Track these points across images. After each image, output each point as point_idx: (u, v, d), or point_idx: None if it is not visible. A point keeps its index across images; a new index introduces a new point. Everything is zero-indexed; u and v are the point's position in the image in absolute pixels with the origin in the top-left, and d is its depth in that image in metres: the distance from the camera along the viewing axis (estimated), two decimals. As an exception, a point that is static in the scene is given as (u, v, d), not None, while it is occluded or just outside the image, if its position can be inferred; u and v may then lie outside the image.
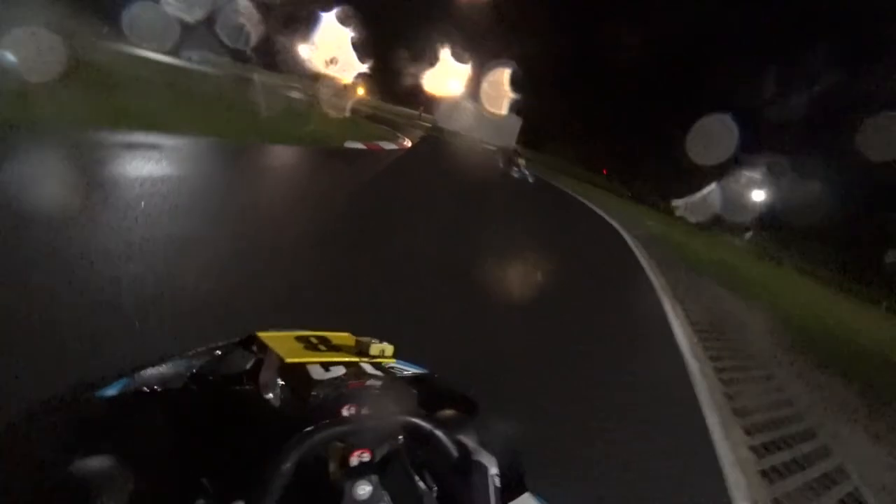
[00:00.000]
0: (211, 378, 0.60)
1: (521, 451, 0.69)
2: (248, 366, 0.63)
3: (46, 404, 0.55)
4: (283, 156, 7.76)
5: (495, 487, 0.49)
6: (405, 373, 0.85)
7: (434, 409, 0.66)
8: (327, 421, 0.47)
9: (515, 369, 3.04)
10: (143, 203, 3.50)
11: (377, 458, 0.50)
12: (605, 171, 47.51)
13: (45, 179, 3.50)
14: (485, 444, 0.57)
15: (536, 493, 0.56)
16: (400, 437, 0.53)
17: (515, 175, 16.81)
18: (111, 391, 0.60)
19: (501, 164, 17.72)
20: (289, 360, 0.57)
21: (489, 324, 3.69)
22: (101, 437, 0.49)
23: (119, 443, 0.47)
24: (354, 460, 0.47)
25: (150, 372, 0.65)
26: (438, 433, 0.52)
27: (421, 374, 0.87)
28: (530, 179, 17.24)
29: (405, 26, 40.10)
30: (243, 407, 0.54)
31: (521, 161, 17.95)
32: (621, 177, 45.27)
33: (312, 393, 0.53)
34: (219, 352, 0.68)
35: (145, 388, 0.61)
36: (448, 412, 0.71)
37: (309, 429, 0.45)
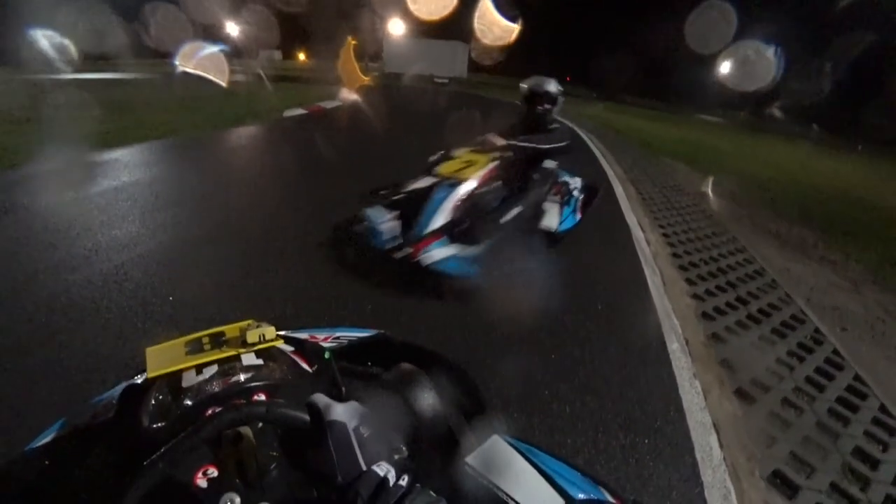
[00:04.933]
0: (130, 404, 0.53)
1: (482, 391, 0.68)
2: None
3: None
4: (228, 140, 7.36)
5: (362, 437, 0.45)
6: (351, 339, 0.80)
7: (389, 367, 0.63)
8: (150, 458, 0.39)
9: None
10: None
11: (235, 465, 0.43)
12: (568, 79, 46.79)
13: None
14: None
15: (504, 435, 0.53)
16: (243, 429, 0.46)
17: None
18: (46, 438, 0.55)
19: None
20: (151, 374, 0.50)
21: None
22: (33, 491, 0.46)
23: (46, 493, 0.44)
24: (201, 482, 0.41)
25: (84, 406, 0.60)
26: (278, 410, 0.45)
27: (369, 337, 0.82)
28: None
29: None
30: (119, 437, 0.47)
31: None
32: (586, 81, 44.78)
33: (179, 404, 0.47)
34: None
35: (78, 426, 0.56)
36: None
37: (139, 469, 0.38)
